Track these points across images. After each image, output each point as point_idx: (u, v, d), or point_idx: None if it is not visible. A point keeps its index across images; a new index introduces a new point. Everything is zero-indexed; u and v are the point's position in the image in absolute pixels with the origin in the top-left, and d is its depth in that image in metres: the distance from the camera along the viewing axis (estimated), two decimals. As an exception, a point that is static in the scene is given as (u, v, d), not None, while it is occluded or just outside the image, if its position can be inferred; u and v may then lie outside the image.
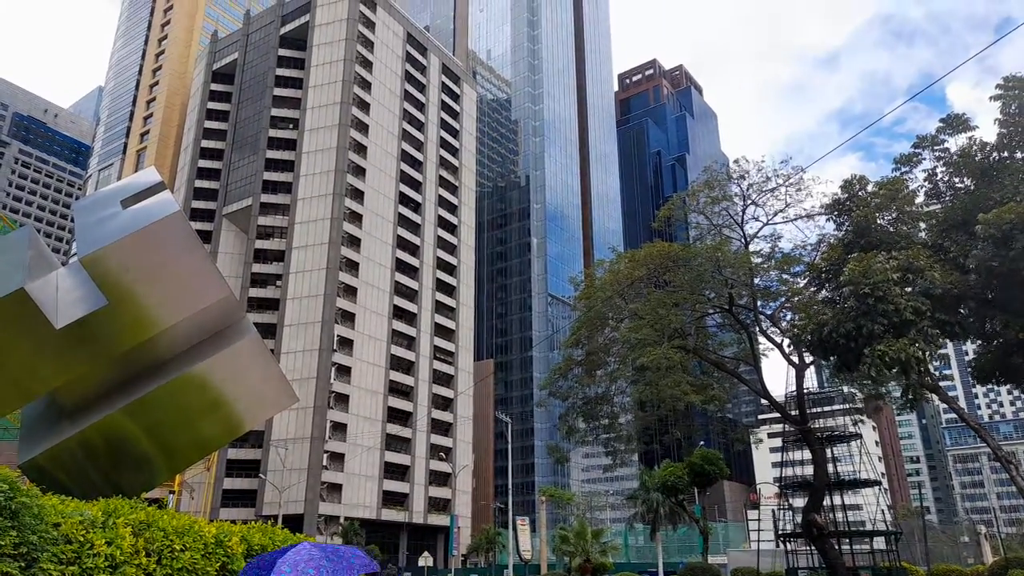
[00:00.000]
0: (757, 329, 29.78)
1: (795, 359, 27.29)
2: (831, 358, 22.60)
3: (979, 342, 23.90)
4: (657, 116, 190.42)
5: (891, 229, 23.62)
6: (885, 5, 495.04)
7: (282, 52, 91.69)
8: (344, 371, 78.37)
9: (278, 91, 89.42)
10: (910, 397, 21.09)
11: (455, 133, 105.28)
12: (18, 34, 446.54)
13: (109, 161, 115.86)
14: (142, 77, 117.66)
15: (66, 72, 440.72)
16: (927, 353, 20.08)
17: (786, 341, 27.17)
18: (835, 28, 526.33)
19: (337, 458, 75.02)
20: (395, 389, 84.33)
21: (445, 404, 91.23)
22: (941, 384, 25.55)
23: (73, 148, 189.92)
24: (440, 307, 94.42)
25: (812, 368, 29.65)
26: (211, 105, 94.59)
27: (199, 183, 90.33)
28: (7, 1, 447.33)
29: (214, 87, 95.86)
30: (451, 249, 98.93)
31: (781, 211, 27.82)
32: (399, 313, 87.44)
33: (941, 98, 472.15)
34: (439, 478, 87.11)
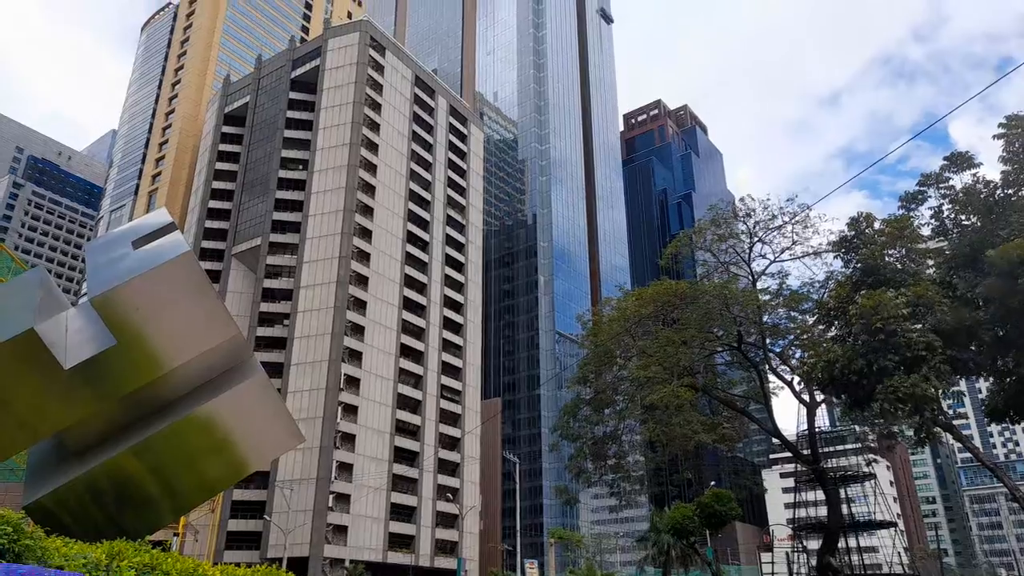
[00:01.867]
0: (767, 367, 29.56)
1: (806, 397, 27.01)
2: (842, 396, 22.35)
3: (992, 379, 23.62)
4: (662, 155, 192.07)
5: (899, 266, 23.59)
6: (885, 46, 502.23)
7: (293, 95, 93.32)
8: (350, 410, 77.93)
9: (288, 133, 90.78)
10: (923, 436, 20.79)
11: (462, 173, 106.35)
12: (36, 80, 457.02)
13: (121, 202, 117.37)
14: (155, 120, 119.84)
15: (81, 116, 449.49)
16: (940, 390, 19.84)
17: (796, 379, 26.94)
18: (836, 68, 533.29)
19: (343, 499, 74.14)
20: (402, 428, 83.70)
21: (452, 444, 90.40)
22: (955, 422, 25.17)
23: (86, 190, 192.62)
24: (447, 345, 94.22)
25: (823, 406, 29.33)
26: (222, 147, 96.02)
27: (209, 223, 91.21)
28: (27, 49, 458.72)
29: (225, 129, 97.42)
30: (458, 287, 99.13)
31: (788, 248, 27.89)
32: (406, 351, 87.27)
33: (944, 136, 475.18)
34: (446, 520, 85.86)
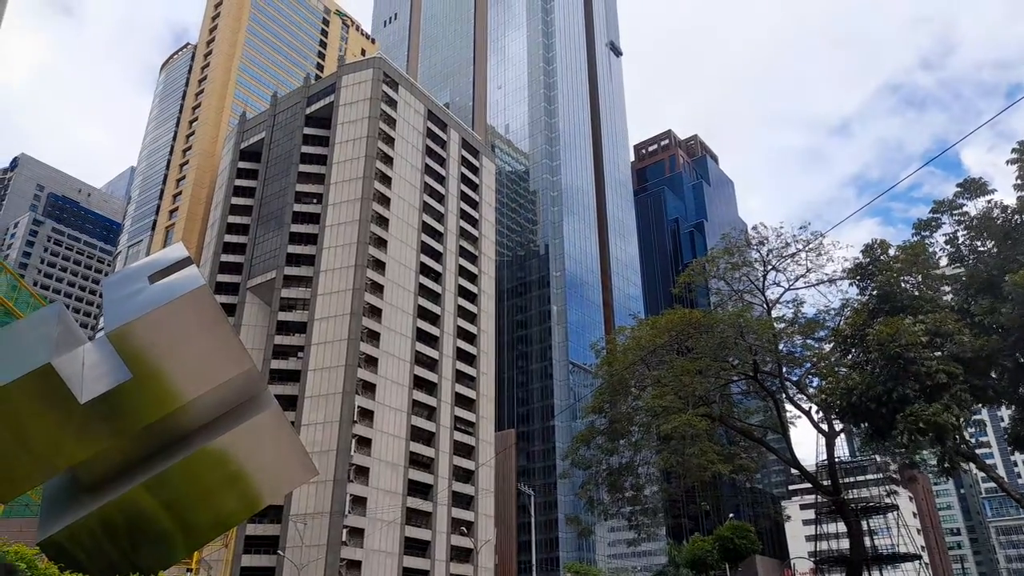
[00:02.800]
0: (784, 396, 29.23)
1: (824, 427, 26.63)
2: (862, 424, 22.02)
3: (1014, 407, 23.22)
4: (674, 184, 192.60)
5: (916, 293, 23.37)
6: (894, 74, 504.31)
7: (307, 131, 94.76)
8: (364, 443, 77.63)
9: (303, 167, 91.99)
10: (946, 465, 20.40)
11: (475, 204, 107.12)
12: (58, 119, 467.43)
13: (139, 238, 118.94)
14: (172, 157, 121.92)
15: (101, 154, 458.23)
16: (961, 419, 19.51)
17: (814, 408, 26.59)
18: (845, 97, 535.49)
19: (357, 533, 73.50)
20: (416, 461, 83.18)
21: (466, 476, 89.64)
22: (977, 451, 24.71)
23: (104, 226, 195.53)
24: (461, 376, 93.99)
25: (843, 436, 28.89)
26: (238, 182, 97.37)
27: (225, 257, 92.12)
28: (50, 89, 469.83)
29: (241, 165, 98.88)
30: (471, 318, 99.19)
31: (802, 276, 27.75)
32: (420, 383, 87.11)
33: (956, 163, 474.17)
34: (461, 554, 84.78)
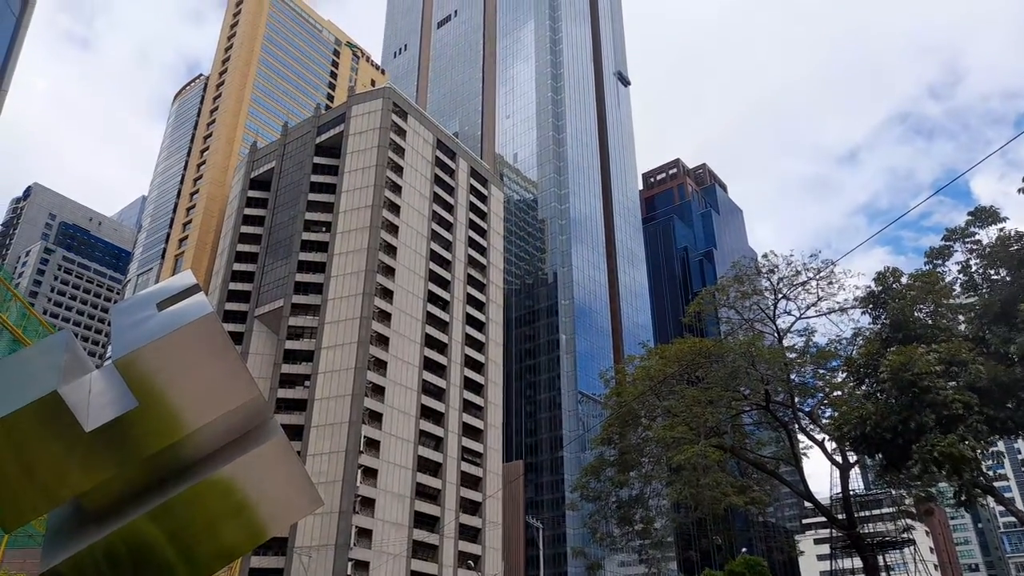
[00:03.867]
0: (796, 427, 28.85)
1: (838, 458, 26.22)
2: (876, 455, 21.67)
3: (1032, 438, 22.81)
4: (683, 213, 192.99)
5: (929, 322, 23.14)
6: (902, 104, 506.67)
7: (317, 160, 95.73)
8: (370, 473, 77.03)
9: (312, 196, 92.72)
10: (963, 498, 19.99)
11: (483, 233, 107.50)
12: (71, 149, 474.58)
13: (148, 266, 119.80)
14: (183, 186, 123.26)
15: (113, 183, 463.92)
16: (979, 450, 19.16)
17: (827, 439, 26.22)
18: (853, 126, 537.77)
19: (362, 567, 72.56)
20: (422, 492, 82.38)
21: (474, 508, 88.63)
22: (996, 484, 24.25)
23: (114, 254, 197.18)
24: (468, 406, 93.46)
25: (857, 468, 28.43)
26: (248, 211, 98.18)
27: (233, 285, 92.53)
28: (64, 120, 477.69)
29: (251, 194, 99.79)
30: (479, 347, 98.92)
31: (814, 305, 27.55)
32: (427, 412, 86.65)
33: (966, 191, 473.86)
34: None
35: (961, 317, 23.32)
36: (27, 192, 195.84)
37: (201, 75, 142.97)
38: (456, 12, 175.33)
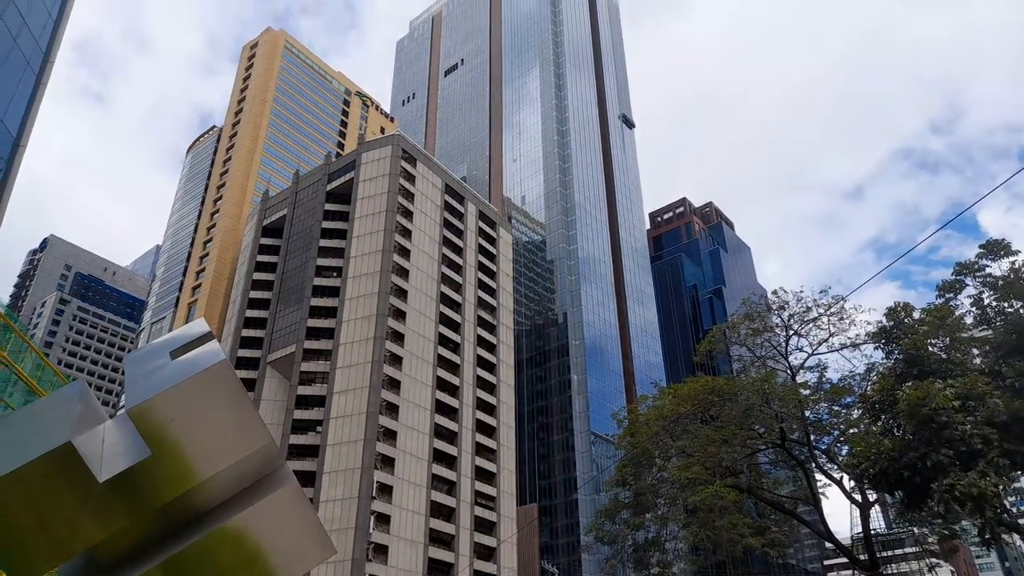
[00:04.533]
0: (813, 465, 28.36)
1: (858, 497, 25.69)
2: (896, 493, 21.25)
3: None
4: (690, 251, 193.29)
5: (944, 356, 22.90)
6: (905, 139, 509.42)
7: (328, 206, 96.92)
8: (383, 519, 76.05)
9: (323, 242, 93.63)
10: (987, 536, 19.51)
11: (492, 275, 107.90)
12: (88, 200, 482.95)
13: (162, 315, 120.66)
14: (197, 235, 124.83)
15: (128, 233, 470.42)
16: (1000, 486, 18.75)
17: (846, 477, 25.74)
18: (857, 162, 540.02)
19: (376, 615, 71.18)
20: (435, 538, 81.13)
21: (488, 554, 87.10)
22: (1020, 521, 23.66)
23: (128, 303, 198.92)
24: (481, 449, 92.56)
25: (878, 506, 27.84)
26: (260, 258, 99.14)
27: (246, 332, 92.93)
28: (81, 172, 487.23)
29: (263, 241, 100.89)
30: (491, 389, 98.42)
31: (825, 340, 27.34)
32: (439, 456, 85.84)
33: (973, 225, 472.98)
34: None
35: (976, 351, 23.07)
36: (43, 244, 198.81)
37: (214, 126, 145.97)
38: (462, 61, 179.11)
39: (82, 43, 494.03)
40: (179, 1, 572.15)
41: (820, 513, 28.64)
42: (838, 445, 27.85)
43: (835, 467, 26.96)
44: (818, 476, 28.43)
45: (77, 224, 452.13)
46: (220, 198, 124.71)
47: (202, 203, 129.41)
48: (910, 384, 20.26)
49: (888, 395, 21.65)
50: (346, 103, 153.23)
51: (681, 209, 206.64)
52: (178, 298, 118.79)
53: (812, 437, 27.44)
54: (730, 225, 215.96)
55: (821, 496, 28.35)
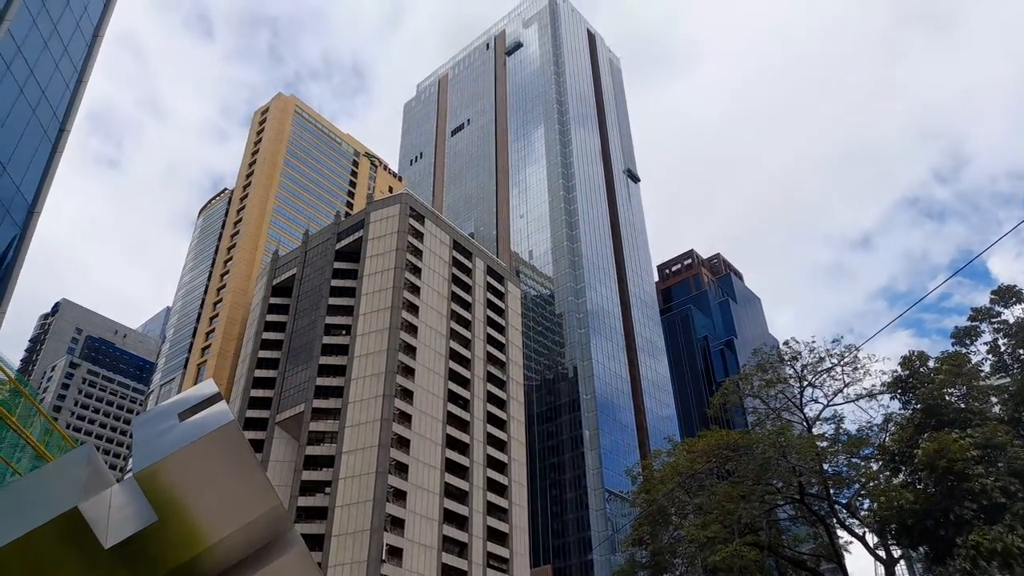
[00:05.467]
0: (834, 520, 27.59)
1: (882, 553, 24.90)
2: (920, 548, 20.59)
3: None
4: (700, 303, 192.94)
5: (962, 405, 22.51)
6: (910, 188, 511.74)
7: (337, 265, 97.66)
8: (394, 583, 74.11)
9: (332, 300, 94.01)
10: (1021, 593, 18.76)
11: (501, 329, 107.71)
12: (100, 263, 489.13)
13: (171, 376, 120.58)
14: (207, 296, 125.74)
15: (139, 295, 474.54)
16: (1029, 540, 18.12)
17: (868, 532, 24.99)
18: (863, 212, 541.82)
19: None
20: (448, 602, 78.90)
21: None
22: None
23: (137, 366, 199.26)
24: (492, 509, 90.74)
25: (903, 563, 26.95)
26: (269, 317, 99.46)
27: (254, 392, 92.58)
28: (93, 236, 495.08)
29: (273, 300, 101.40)
30: (501, 446, 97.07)
31: (840, 391, 26.96)
32: (450, 517, 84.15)
33: (984, 272, 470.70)
34: None
35: (994, 399, 22.67)
36: (55, 308, 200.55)
37: (226, 189, 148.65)
38: (468, 120, 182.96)
39: (98, 111, 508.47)
40: (193, 70, 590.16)
41: (843, 570, 27.71)
42: (859, 499, 27.12)
43: (857, 522, 26.20)
44: (840, 532, 27.61)
45: (89, 286, 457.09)
46: (231, 259, 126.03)
47: (213, 264, 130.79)
48: (926, 435, 19.86)
49: (907, 446, 21.20)
50: (355, 164, 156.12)
51: (689, 261, 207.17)
52: (187, 359, 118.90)
53: (832, 490, 26.76)
54: (739, 276, 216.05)
55: (844, 552, 27.49)
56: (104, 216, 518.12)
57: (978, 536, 17.44)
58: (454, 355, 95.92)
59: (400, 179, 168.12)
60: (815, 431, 27.64)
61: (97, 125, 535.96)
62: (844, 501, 27.36)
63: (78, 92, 36.24)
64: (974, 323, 23.56)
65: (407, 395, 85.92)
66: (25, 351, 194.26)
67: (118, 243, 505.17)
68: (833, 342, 27.31)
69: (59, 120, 34.06)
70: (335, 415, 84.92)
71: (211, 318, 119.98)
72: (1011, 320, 22.65)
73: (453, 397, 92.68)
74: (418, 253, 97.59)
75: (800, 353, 27.23)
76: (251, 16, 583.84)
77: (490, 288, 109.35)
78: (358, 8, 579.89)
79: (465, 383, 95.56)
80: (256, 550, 3.86)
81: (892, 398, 25.30)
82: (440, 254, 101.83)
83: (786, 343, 28.01)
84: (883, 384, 25.39)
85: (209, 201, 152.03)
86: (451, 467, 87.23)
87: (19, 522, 3.16)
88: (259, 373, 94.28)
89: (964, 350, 23.56)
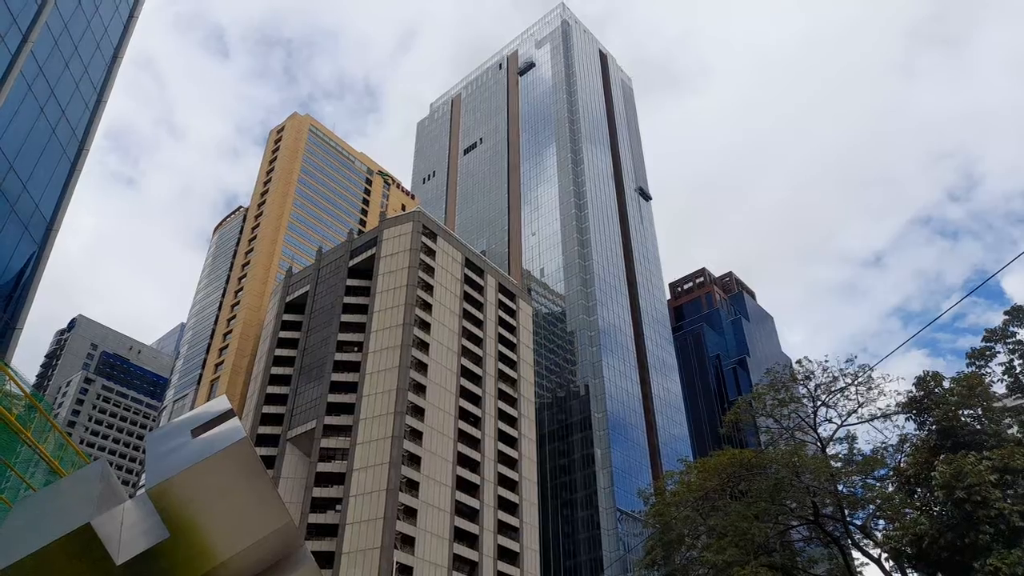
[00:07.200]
0: (849, 542, 27.20)
1: (897, 576, 24.51)
2: (937, 574, 20.27)
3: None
4: (712, 321, 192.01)
5: (978, 427, 22.22)
6: (923, 208, 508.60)
7: (350, 282, 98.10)
8: (404, 603, 73.60)
9: (345, 317, 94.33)
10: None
11: (512, 347, 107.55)
12: (116, 280, 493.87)
13: (184, 392, 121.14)
14: (221, 313, 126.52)
15: (154, 311, 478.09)
16: (1049, 565, 17.80)
17: (884, 555, 24.61)
18: (875, 231, 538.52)
19: None
20: (458, 622, 78.18)
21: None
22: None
23: (151, 382, 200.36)
24: (503, 527, 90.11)
25: (919, 586, 26.46)
26: (282, 334, 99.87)
27: (267, 408, 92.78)
28: (110, 254, 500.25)
29: (286, 317, 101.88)
30: (512, 464, 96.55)
31: (854, 411, 26.68)
32: (460, 535, 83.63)
33: (999, 291, 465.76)
34: None
35: (1010, 420, 22.38)
36: (72, 324, 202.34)
37: (240, 207, 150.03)
38: (481, 139, 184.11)
39: (116, 130, 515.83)
40: (209, 91, 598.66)
41: (860, 594, 27.32)
42: (874, 521, 26.76)
43: (872, 544, 25.84)
44: (855, 554, 27.23)
45: (104, 303, 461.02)
46: (245, 276, 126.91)
47: (227, 281, 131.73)
48: (943, 457, 19.61)
49: (923, 469, 20.94)
50: (368, 182, 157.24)
51: (701, 279, 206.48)
52: (201, 375, 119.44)
53: (847, 512, 26.42)
54: (751, 295, 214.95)
55: (859, 574, 27.08)
56: (120, 233, 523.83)
57: (996, 560, 17.17)
58: (465, 372, 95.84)
59: (413, 197, 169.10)
60: (829, 451, 27.34)
61: (115, 144, 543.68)
62: (859, 522, 27.01)
63: (97, 111, 36.84)
64: (989, 343, 23.31)
65: (418, 412, 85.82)
66: (41, 366, 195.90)
67: (134, 260, 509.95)
68: (847, 362, 27.08)
69: (78, 139, 34.61)
70: (347, 432, 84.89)
71: (225, 335, 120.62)
72: (1027, 340, 22.41)
73: (464, 414, 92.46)
74: (430, 271, 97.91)
75: (813, 372, 27.00)
76: (266, 38, 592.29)
77: (502, 306, 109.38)
78: (371, 30, 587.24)
79: (476, 400, 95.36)
80: (267, 567, 3.89)
81: (907, 419, 25.01)
82: (452, 272, 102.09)
83: (799, 362, 27.79)
84: (898, 405, 25.13)
85: (224, 219, 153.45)
86: (462, 485, 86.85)
87: (33, 537, 3.20)
88: (271, 389, 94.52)
89: (980, 370, 23.29)
